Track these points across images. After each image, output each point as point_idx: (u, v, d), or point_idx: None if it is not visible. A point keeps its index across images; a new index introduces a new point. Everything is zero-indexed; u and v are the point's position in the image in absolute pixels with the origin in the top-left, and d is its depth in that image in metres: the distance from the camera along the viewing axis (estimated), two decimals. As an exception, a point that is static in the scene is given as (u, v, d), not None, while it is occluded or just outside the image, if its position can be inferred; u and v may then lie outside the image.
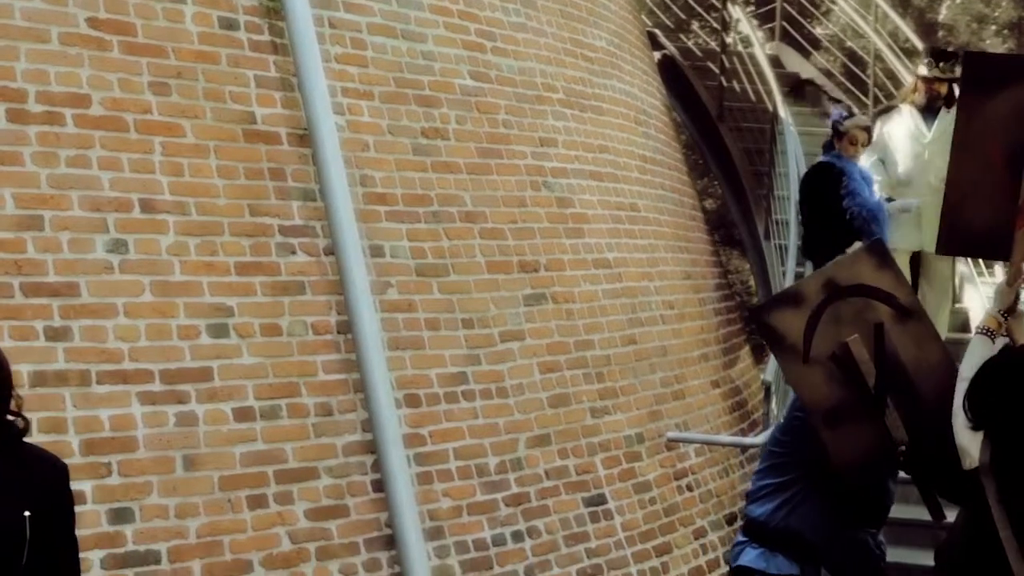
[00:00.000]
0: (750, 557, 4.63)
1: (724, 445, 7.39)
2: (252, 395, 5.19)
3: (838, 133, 7.57)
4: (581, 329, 6.64)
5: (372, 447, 5.44)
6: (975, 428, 3.89)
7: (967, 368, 4.11)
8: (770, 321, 4.42)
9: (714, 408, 7.76)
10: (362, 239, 5.65)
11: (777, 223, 9.24)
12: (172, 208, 5.19)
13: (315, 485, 5.25)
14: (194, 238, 5.22)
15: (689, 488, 7.03)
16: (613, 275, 7.06)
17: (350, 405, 5.47)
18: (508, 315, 6.27)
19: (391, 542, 5.37)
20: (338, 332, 5.53)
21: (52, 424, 4.65)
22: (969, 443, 3.89)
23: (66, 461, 4.55)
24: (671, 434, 6.92)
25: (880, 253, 4.51)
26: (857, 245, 6.67)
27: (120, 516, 4.71)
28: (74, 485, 4.55)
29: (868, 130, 7.69)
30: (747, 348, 8.98)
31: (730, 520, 7.33)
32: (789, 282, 8.27)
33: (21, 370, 4.63)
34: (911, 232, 7.89)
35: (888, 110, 8.30)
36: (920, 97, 7.99)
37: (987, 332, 4.25)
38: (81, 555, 4.46)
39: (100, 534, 4.62)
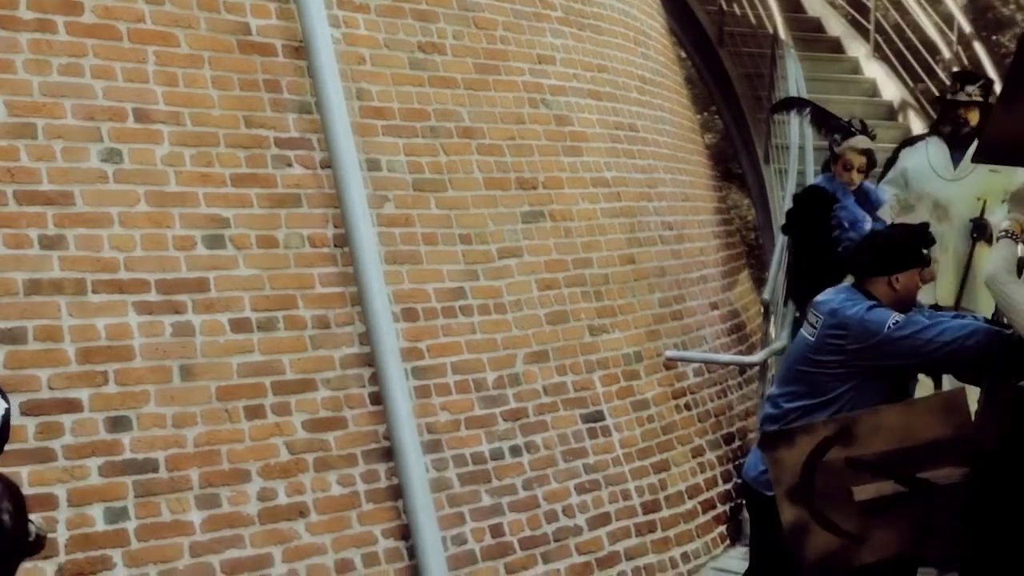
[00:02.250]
0: None
1: (723, 364, 7.38)
2: (249, 306, 5.17)
3: (833, 155, 6.81)
4: (579, 247, 6.61)
5: (370, 360, 5.43)
6: None
7: (1002, 266, 4.35)
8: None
9: (712, 329, 7.75)
10: (359, 153, 5.60)
11: (777, 147, 9.17)
12: (167, 118, 5.14)
13: (313, 397, 5.25)
14: (189, 149, 5.17)
15: (687, 407, 7.03)
16: (611, 194, 7.02)
17: (347, 318, 5.45)
18: (506, 232, 6.24)
19: (389, 454, 5.37)
20: (335, 245, 5.50)
21: (48, 332, 4.64)
22: None
23: (61, 369, 4.62)
24: (670, 353, 6.91)
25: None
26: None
27: (118, 424, 4.70)
28: (70, 393, 4.61)
29: (868, 154, 6.71)
30: (746, 272, 8.95)
31: (728, 440, 7.34)
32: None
33: (15, 278, 4.63)
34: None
35: (913, 141, 7.26)
36: (946, 126, 6.94)
37: (1011, 235, 4.44)
38: (79, 462, 4.55)
39: (97, 442, 4.62)
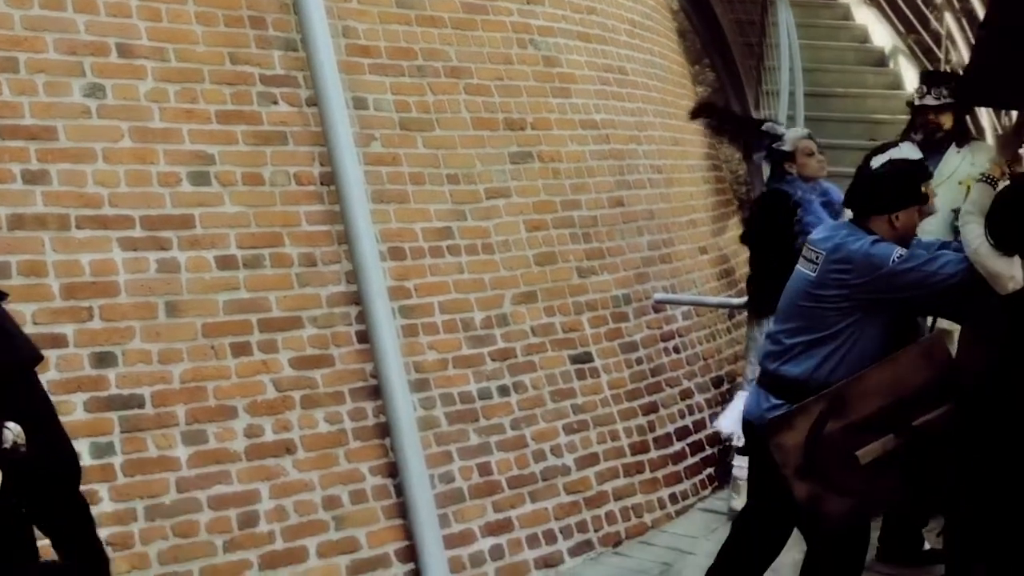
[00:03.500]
0: None
1: (712, 306, 7.37)
2: (235, 244, 5.15)
3: (783, 155, 6.29)
4: (568, 189, 6.58)
5: (356, 298, 5.41)
6: (1009, 253, 4.12)
7: (972, 207, 4.33)
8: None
9: (701, 273, 7.73)
10: (345, 91, 5.56)
11: (767, 94, 9.11)
12: (150, 54, 5.09)
13: (299, 334, 5.23)
14: (173, 85, 5.13)
15: (676, 350, 7.03)
16: (600, 136, 6.98)
17: (334, 256, 5.43)
18: (494, 172, 6.21)
19: (376, 392, 5.36)
20: (321, 183, 5.47)
21: (31, 267, 4.61)
22: (1006, 267, 4.14)
23: (45, 304, 4.59)
24: (658, 295, 6.90)
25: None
26: None
27: (103, 360, 4.69)
28: (55, 328, 4.58)
29: (811, 136, 6.43)
30: (736, 219, 8.91)
31: (716, 383, 7.34)
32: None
33: (-1, 213, 4.59)
34: None
35: (883, 148, 6.20)
36: (917, 133, 6.21)
37: (989, 180, 4.45)
38: (64, 398, 4.53)
39: (83, 377, 4.60)
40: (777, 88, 8.91)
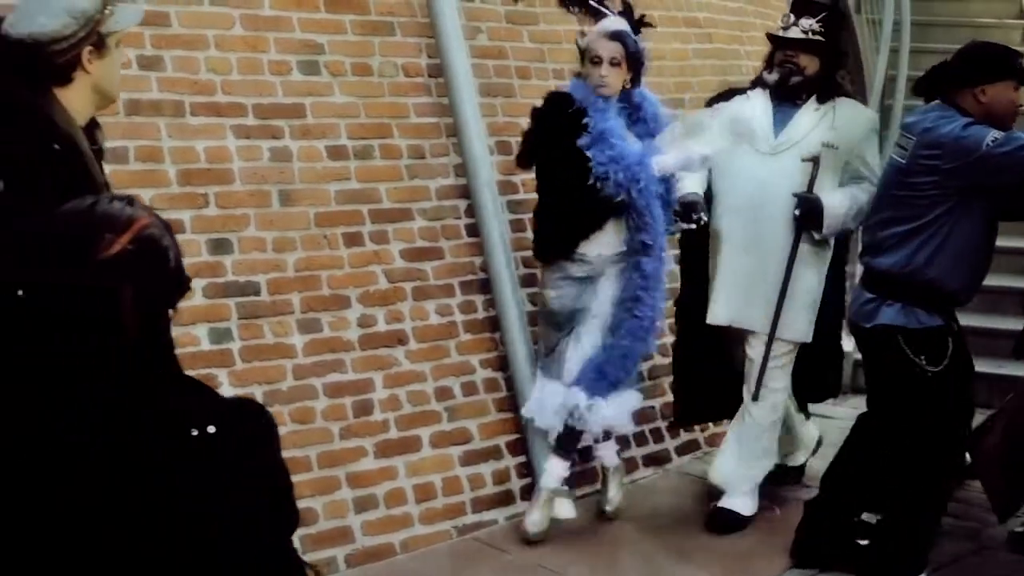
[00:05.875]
0: (889, 315, 4.43)
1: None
2: (345, 134, 5.10)
3: (580, 51, 4.90)
4: (672, 87, 6.45)
5: (465, 192, 5.36)
6: None
7: None
8: None
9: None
10: (451, -19, 5.47)
11: (871, -1, 8.82)
12: (259, -60, 5.03)
13: (409, 226, 5.20)
14: (282, -28, 5.07)
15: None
16: (703, 35, 6.84)
17: (442, 149, 5.37)
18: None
19: (486, 286, 5.32)
20: (428, 75, 5.40)
21: (148, 153, 4.60)
22: None
23: (163, 190, 4.59)
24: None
25: None
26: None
27: (219, 247, 4.68)
28: (172, 214, 4.57)
29: (625, 41, 4.78)
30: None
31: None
32: (882, 62, 7.91)
33: (115, 99, 4.56)
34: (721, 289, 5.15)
35: (728, 95, 5.17)
36: (772, 73, 5.02)
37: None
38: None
39: (200, 263, 4.59)
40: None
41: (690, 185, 4.99)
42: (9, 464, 1.88)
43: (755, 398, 5.08)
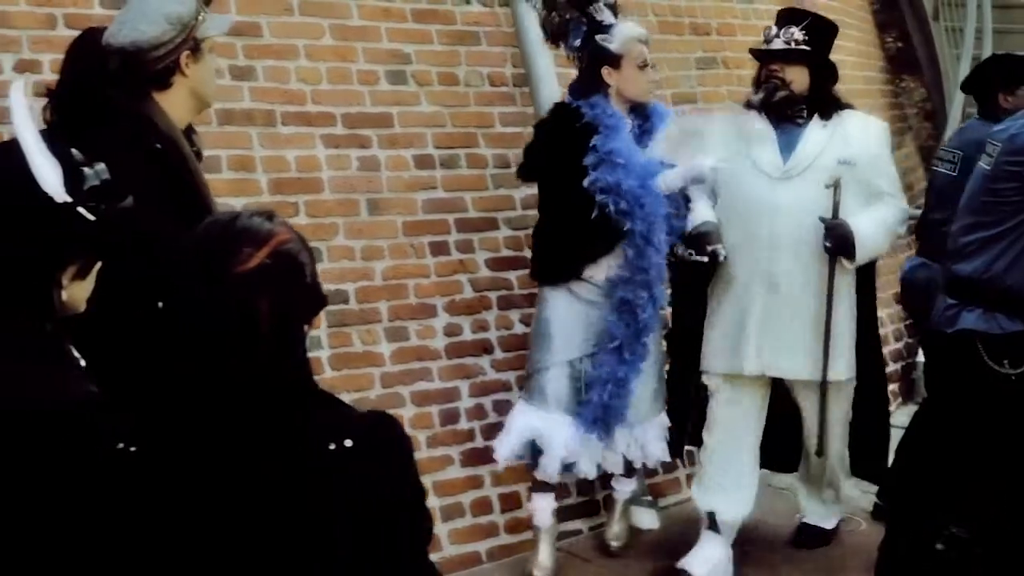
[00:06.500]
0: (969, 320, 4.37)
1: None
2: (431, 143, 5.13)
3: (600, 57, 4.51)
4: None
5: (549, 201, 5.36)
6: None
7: None
8: None
9: (882, 188, 7.52)
10: (535, -9, 5.48)
11: (948, 3, 8.72)
12: (348, -50, 5.07)
13: (495, 236, 5.21)
14: (370, -18, 5.11)
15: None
16: (784, 44, 6.78)
17: (528, 158, 5.38)
18: (680, 77, 6.09)
19: (570, 295, 5.32)
20: (513, 85, 5.42)
21: (241, 162, 4.65)
22: None
23: (255, 199, 4.62)
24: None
25: None
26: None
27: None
28: (264, 223, 4.58)
29: (647, 43, 4.61)
30: (910, 135, 8.65)
31: (899, 299, 7.15)
32: (964, 69, 7.82)
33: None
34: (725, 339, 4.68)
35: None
36: (759, 91, 4.58)
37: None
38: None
39: (291, 273, 4.61)
40: (964, -1, 8.53)
41: (703, 212, 4.52)
42: (148, 480, 1.90)
43: (819, 453, 4.73)
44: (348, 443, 1.91)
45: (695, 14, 6.18)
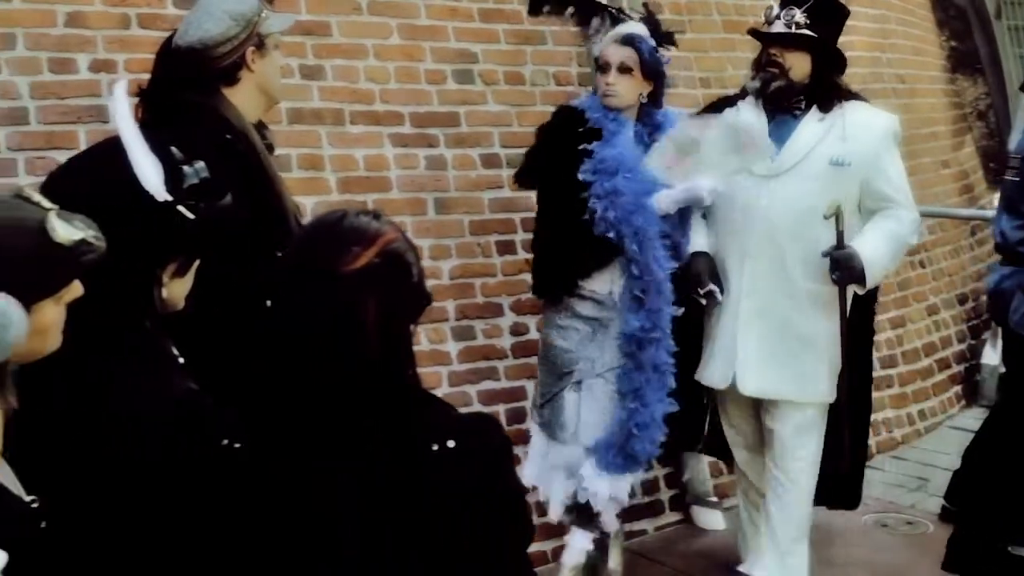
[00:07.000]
0: None
1: (962, 218, 7.12)
2: (498, 142, 5.13)
3: (596, 61, 4.42)
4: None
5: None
6: None
7: None
8: None
9: (943, 188, 7.46)
10: (599, -8, 5.46)
11: (1011, 2, 8.64)
12: (417, -50, 5.09)
13: (560, 235, 5.20)
14: (437, -19, 5.12)
15: (922, 265, 6.81)
16: (846, 43, 6.72)
17: (592, 158, 5.37)
18: (743, 76, 6.03)
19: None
20: (579, 84, 5.41)
21: (310, 161, 4.67)
22: None
23: (324, 198, 4.64)
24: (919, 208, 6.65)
25: None
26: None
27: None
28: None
29: (632, 42, 4.24)
30: (971, 135, 8.57)
31: (961, 300, 7.09)
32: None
33: (279, 106, 4.62)
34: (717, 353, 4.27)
35: (720, 105, 4.41)
36: (755, 78, 4.23)
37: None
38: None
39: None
40: None
41: (697, 240, 4.22)
42: (254, 476, 1.91)
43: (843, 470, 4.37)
44: (451, 444, 1.91)
45: (759, 13, 6.11)
